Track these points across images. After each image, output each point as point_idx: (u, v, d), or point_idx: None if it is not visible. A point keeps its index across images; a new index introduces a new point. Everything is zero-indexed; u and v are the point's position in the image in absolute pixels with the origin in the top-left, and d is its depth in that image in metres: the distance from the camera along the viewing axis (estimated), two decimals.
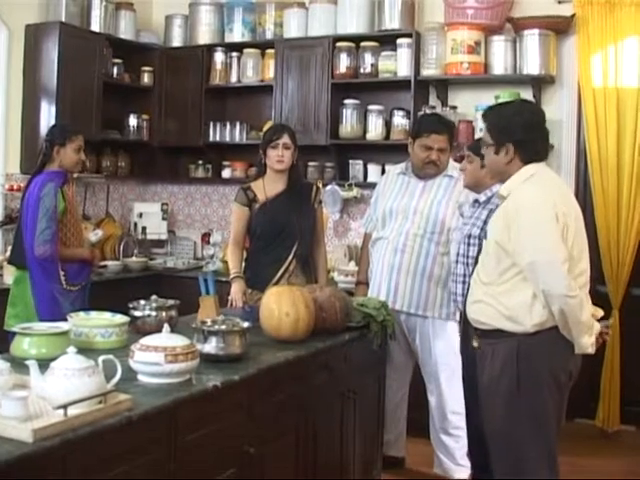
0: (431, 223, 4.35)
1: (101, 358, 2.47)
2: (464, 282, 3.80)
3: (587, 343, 3.07)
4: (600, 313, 3.31)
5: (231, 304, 4.29)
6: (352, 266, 5.71)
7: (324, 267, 4.64)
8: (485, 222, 3.66)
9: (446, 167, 4.44)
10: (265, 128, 5.11)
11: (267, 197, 4.45)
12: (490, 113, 3.39)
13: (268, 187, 4.47)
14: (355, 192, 6.17)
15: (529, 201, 3.07)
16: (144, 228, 6.81)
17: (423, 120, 4.71)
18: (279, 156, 4.40)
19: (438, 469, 4.51)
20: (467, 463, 4.32)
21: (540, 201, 3.07)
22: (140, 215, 6.85)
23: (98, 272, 5.47)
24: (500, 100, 5.10)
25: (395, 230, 4.42)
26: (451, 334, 4.30)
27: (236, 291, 4.32)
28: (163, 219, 6.91)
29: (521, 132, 3.16)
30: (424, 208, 4.38)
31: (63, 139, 4.31)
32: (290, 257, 4.41)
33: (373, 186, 5.18)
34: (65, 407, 2.20)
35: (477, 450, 3.80)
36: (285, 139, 4.41)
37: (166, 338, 2.77)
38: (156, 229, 6.87)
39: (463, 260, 3.82)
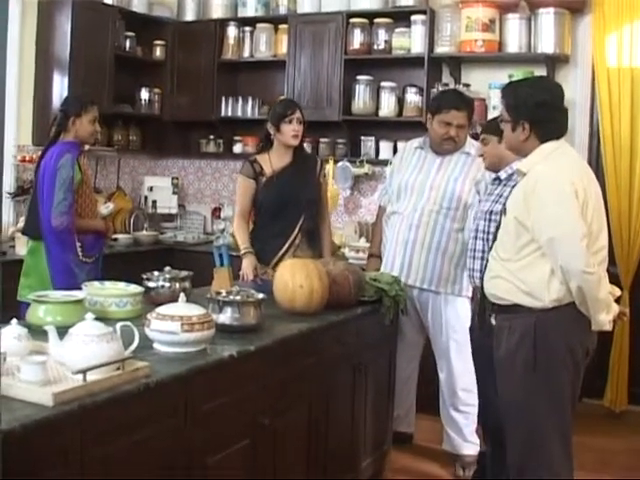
0: (447, 199, 4.33)
1: (119, 325, 2.48)
2: (482, 258, 3.76)
3: (604, 320, 3.07)
4: (618, 292, 3.31)
5: (242, 278, 4.29)
6: (362, 242, 5.71)
7: (328, 241, 4.62)
8: (508, 199, 3.64)
9: (464, 144, 4.41)
10: None
11: (274, 170, 4.43)
12: (507, 90, 3.36)
13: (274, 161, 4.44)
14: (366, 169, 6.15)
15: (549, 177, 3.06)
16: (154, 202, 6.83)
17: (443, 96, 4.66)
18: (295, 131, 4.38)
19: (447, 445, 4.52)
20: (476, 440, 4.35)
21: (560, 178, 3.06)
22: (151, 189, 6.88)
23: (109, 245, 5.49)
24: (514, 79, 5.06)
25: (410, 206, 4.41)
26: (462, 310, 4.32)
27: (247, 266, 4.31)
28: (173, 193, 6.93)
29: (536, 111, 3.14)
30: (440, 184, 4.36)
31: (79, 109, 4.27)
32: (296, 231, 4.39)
33: (385, 163, 5.19)
34: (84, 372, 2.21)
35: (491, 429, 3.81)
36: (298, 114, 4.39)
37: (182, 307, 2.78)
38: (166, 203, 6.90)
39: (483, 236, 3.77)
